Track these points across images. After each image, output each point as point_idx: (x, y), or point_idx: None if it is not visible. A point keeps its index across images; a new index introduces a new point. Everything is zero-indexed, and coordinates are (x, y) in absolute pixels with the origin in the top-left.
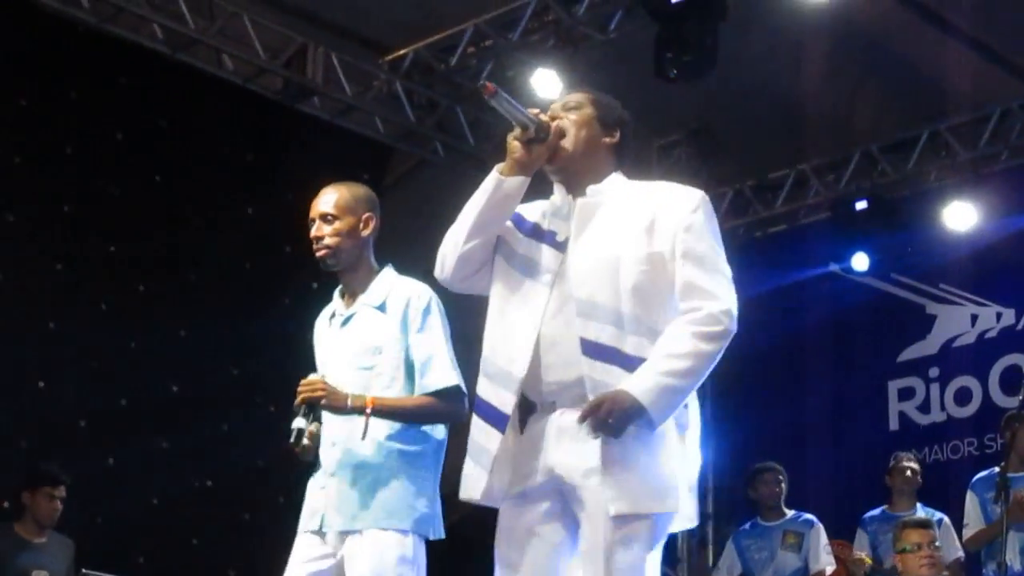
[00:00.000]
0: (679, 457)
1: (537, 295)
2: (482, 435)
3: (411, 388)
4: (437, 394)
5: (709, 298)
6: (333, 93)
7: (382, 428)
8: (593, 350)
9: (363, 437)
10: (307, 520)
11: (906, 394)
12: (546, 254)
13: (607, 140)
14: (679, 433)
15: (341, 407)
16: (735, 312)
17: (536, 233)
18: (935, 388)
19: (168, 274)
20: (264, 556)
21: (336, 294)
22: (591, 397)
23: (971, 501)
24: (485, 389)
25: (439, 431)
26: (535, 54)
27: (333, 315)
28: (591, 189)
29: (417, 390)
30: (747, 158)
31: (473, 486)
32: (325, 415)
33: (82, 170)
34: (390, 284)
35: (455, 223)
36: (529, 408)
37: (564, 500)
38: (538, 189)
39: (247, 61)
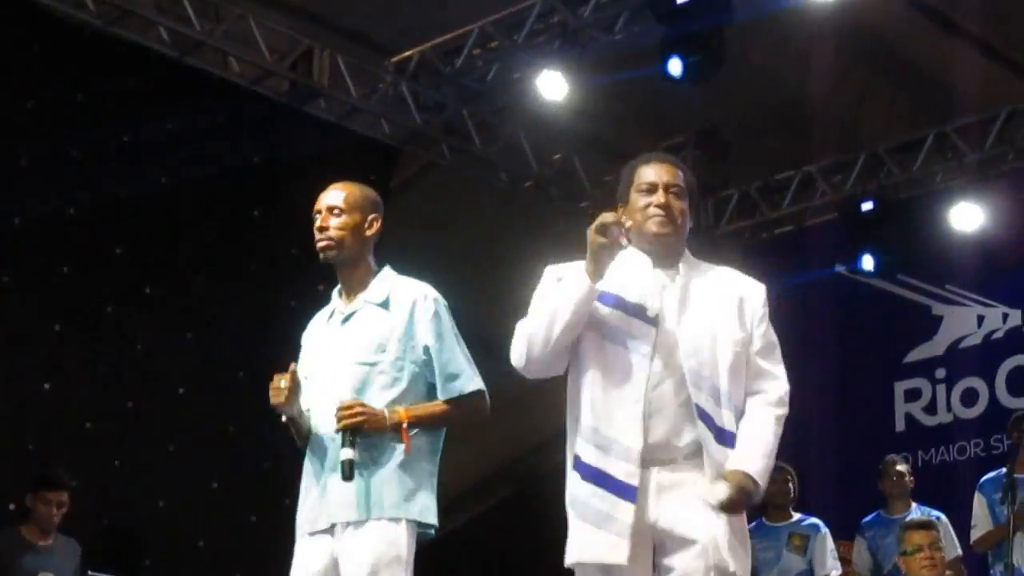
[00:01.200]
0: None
1: (639, 368)
2: (604, 504)
3: (417, 387)
4: (462, 399)
5: (775, 380)
6: (339, 95)
7: (402, 440)
8: (704, 417)
9: (407, 452)
10: (307, 523)
11: (912, 395)
12: (639, 328)
13: (689, 223)
14: None
15: (381, 427)
16: (788, 392)
17: (623, 306)
18: (941, 389)
19: (174, 277)
20: (270, 558)
21: (335, 293)
22: (706, 458)
23: (979, 502)
24: (594, 458)
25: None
26: (541, 55)
27: (332, 314)
28: (682, 267)
29: (441, 395)
30: (753, 159)
31: (611, 552)
32: (324, 408)
33: (88, 173)
34: (392, 282)
35: (535, 318)
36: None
37: (650, 549)
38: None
39: (253, 63)
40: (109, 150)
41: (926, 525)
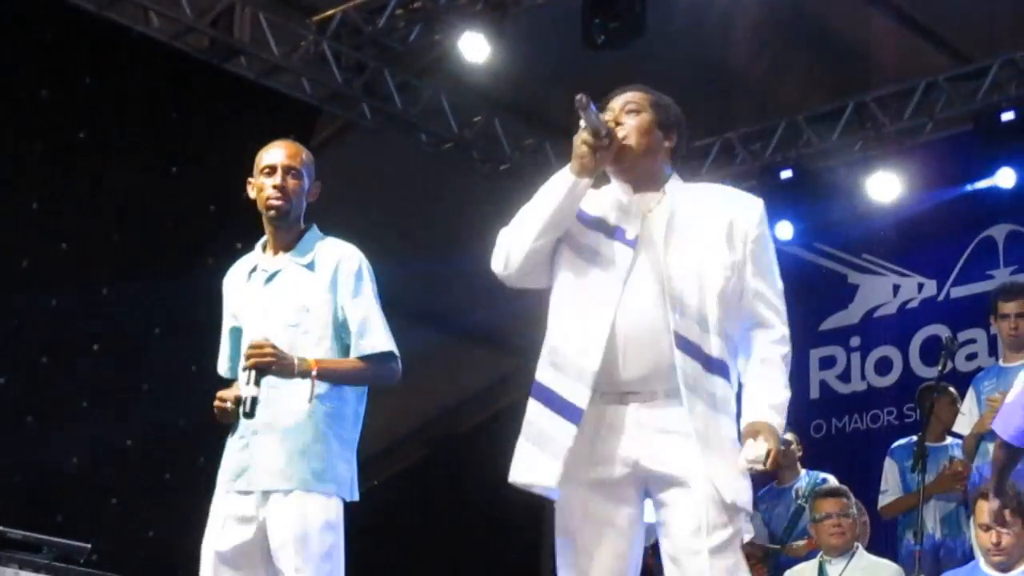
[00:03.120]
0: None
1: (609, 290)
2: (549, 424)
3: (338, 348)
4: (373, 358)
5: (778, 314)
6: (260, 53)
7: (304, 390)
8: (684, 345)
9: (309, 400)
10: (229, 480)
11: (827, 363)
12: (616, 250)
13: (666, 144)
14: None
15: (290, 372)
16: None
17: (602, 227)
18: (856, 357)
19: (91, 232)
20: (184, 516)
21: (258, 246)
22: (684, 389)
23: (890, 468)
24: (551, 378)
25: (359, 394)
26: (464, 17)
27: (255, 269)
28: (667, 188)
29: (353, 352)
30: None
31: (542, 473)
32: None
33: (3, 127)
34: (318, 244)
35: (518, 220)
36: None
37: (639, 490)
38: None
39: (174, 19)
40: (26, 104)
41: (835, 492)
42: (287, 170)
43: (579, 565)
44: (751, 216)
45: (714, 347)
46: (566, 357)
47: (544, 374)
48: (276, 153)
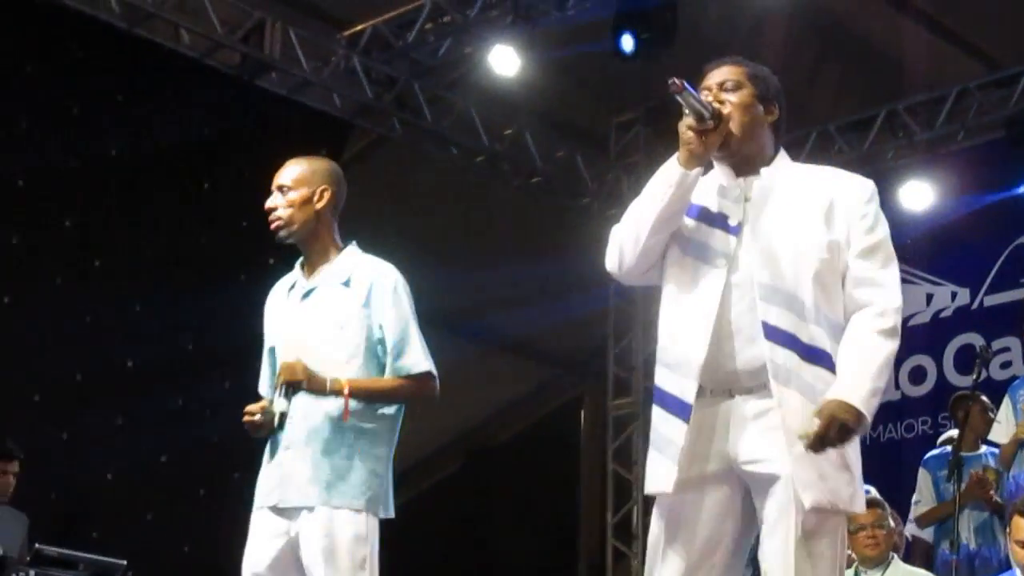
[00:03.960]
0: (855, 454)
1: (713, 281)
2: (666, 426)
3: (373, 365)
4: (411, 377)
5: (881, 291)
6: (291, 68)
7: (338, 407)
8: (774, 335)
9: (344, 419)
10: (263, 496)
11: None
12: (719, 239)
13: (768, 118)
14: None
15: (321, 392)
16: (901, 307)
17: (706, 217)
18: None
19: (124, 248)
20: (219, 531)
21: (297, 265)
22: (773, 383)
23: (923, 478)
24: (665, 379)
25: (394, 410)
26: (493, 30)
27: (293, 286)
28: (765, 172)
29: (389, 372)
30: None
31: (663, 480)
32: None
33: (38, 144)
34: (355, 261)
35: (629, 217)
36: (698, 392)
37: (740, 487)
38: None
39: (204, 36)
40: (59, 121)
41: (870, 504)
42: (279, 189)
43: (676, 564)
44: (856, 195)
45: (813, 335)
46: (675, 355)
47: (658, 376)
48: (276, 176)
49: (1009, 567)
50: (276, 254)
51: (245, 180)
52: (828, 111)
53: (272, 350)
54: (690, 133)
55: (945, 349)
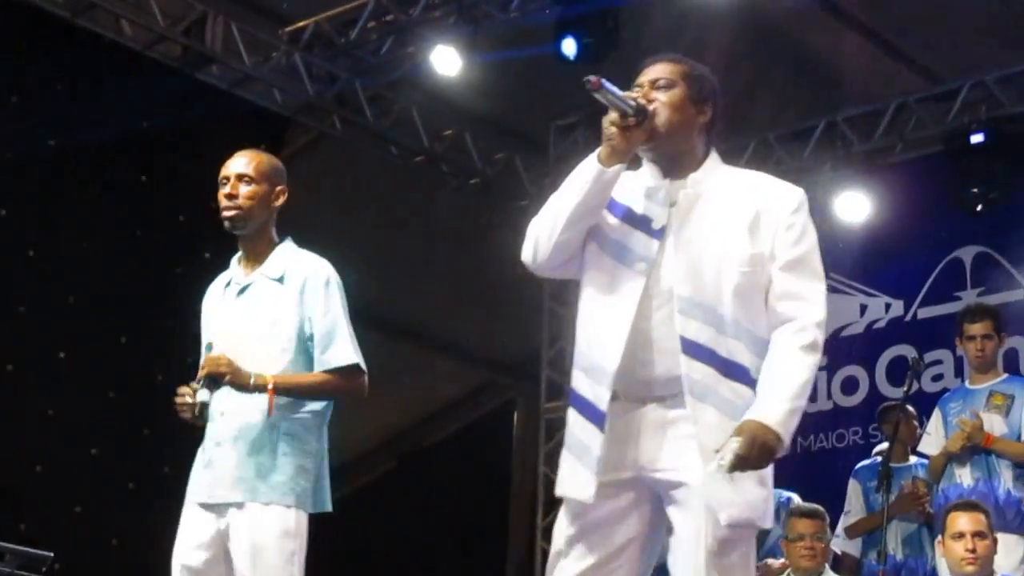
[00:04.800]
0: (771, 468)
1: (632, 287)
2: (583, 432)
3: (303, 361)
4: (337, 371)
5: (804, 305)
6: (232, 63)
7: (262, 403)
8: (692, 349)
9: (269, 414)
10: (193, 492)
11: None
12: (641, 242)
13: (700, 119)
14: None
15: (244, 386)
16: (825, 322)
17: (630, 218)
18: (822, 376)
19: (59, 239)
20: (148, 525)
21: (234, 261)
22: (689, 398)
23: (853, 489)
24: (581, 383)
25: (321, 405)
26: (436, 30)
27: (229, 283)
28: (692, 178)
29: (317, 365)
30: None
31: (582, 487)
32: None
33: None
34: (289, 257)
35: (546, 210)
36: (611, 398)
37: (649, 494)
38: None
39: (146, 27)
40: None
41: (814, 514)
42: (239, 178)
43: (582, 569)
44: (784, 204)
45: (732, 349)
46: (590, 360)
47: (575, 380)
48: (231, 163)
49: None
50: (212, 248)
51: (183, 173)
52: (768, 121)
53: (209, 347)
54: (613, 128)
55: (878, 360)
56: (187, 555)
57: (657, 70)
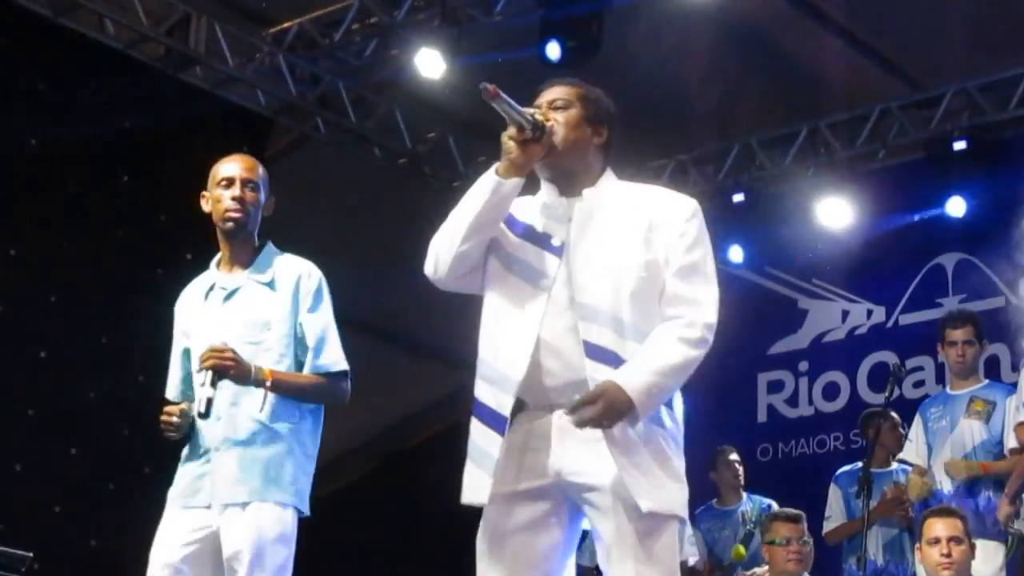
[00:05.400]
0: (678, 462)
1: (536, 299)
2: (483, 438)
3: (295, 365)
4: (328, 375)
5: (694, 306)
6: (215, 63)
7: (261, 401)
8: (596, 353)
9: (261, 410)
10: (186, 497)
11: (775, 387)
12: (543, 258)
13: (596, 140)
14: (672, 441)
15: (246, 378)
16: (715, 325)
17: (530, 235)
18: (804, 382)
19: (41, 239)
20: (127, 526)
21: (213, 265)
22: None
23: (834, 494)
24: (483, 392)
25: (317, 409)
26: (420, 33)
27: (212, 287)
28: (587, 193)
29: (308, 369)
30: (627, 146)
31: (479, 491)
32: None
33: None
34: (277, 261)
35: (448, 222)
36: (518, 408)
37: (564, 500)
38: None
39: (129, 27)
40: None
41: (795, 518)
42: (245, 182)
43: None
44: (676, 214)
45: (630, 351)
46: (494, 370)
47: (478, 388)
48: (234, 166)
49: None
50: (193, 249)
51: (165, 174)
52: (750, 126)
53: (186, 352)
54: (511, 143)
55: (859, 366)
56: (170, 553)
57: (554, 92)
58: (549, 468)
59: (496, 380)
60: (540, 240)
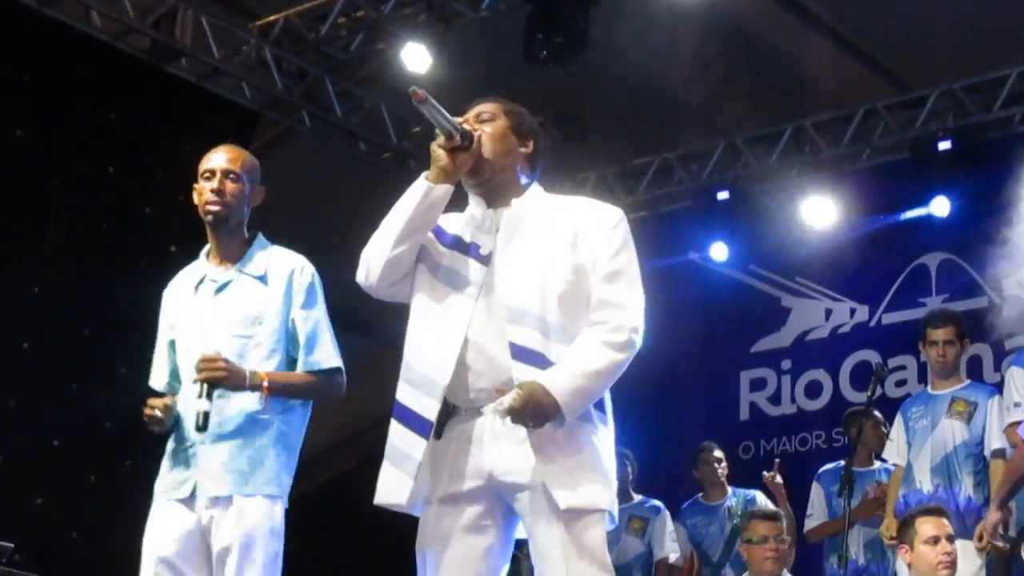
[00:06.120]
0: (606, 458)
1: (463, 306)
2: (404, 441)
3: (286, 361)
4: (321, 372)
5: (619, 311)
6: (201, 56)
7: (255, 399)
8: (522, 354)
9: (264, 413)
10: (173, 488)
11: (758, 385)
12: (471, 267)
13: (522, 151)
14: (601, 438)
15: (241, 386)
16: (641, 329)
17: (458, 245)
18: (787, 380)
19: (25, 231)
20: (109, 518)
21: (203, 256)
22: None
23: (816, 492)
24: (406, 395)
25: (304, 404)
26: (406, 28)
27: (203, 280)
28: (515, 202)
29: (302, 366)
30: (612, 144)
31: (396, 492)
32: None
33: None
34: (269, 255)
35: (379, 230)
36: (448, 412)
37: (498, 503)
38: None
39: (115, 19)
40: None
41: (772, 516)
42: (226, 174)
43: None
44: (601, 222)
45: (556, 352)
46: (419, 372)
47: (401, 391)
48: (215, 158)
49: None
50: (178, 241)
51: (150, 166)
52: (736, 124)
53: (172, 343)
54: (440, 151)
55: (842, 365)
56: (163, 547)
57: (480, 107)
58: (482, 470)
59: (421, 384)
60: (467, 249)
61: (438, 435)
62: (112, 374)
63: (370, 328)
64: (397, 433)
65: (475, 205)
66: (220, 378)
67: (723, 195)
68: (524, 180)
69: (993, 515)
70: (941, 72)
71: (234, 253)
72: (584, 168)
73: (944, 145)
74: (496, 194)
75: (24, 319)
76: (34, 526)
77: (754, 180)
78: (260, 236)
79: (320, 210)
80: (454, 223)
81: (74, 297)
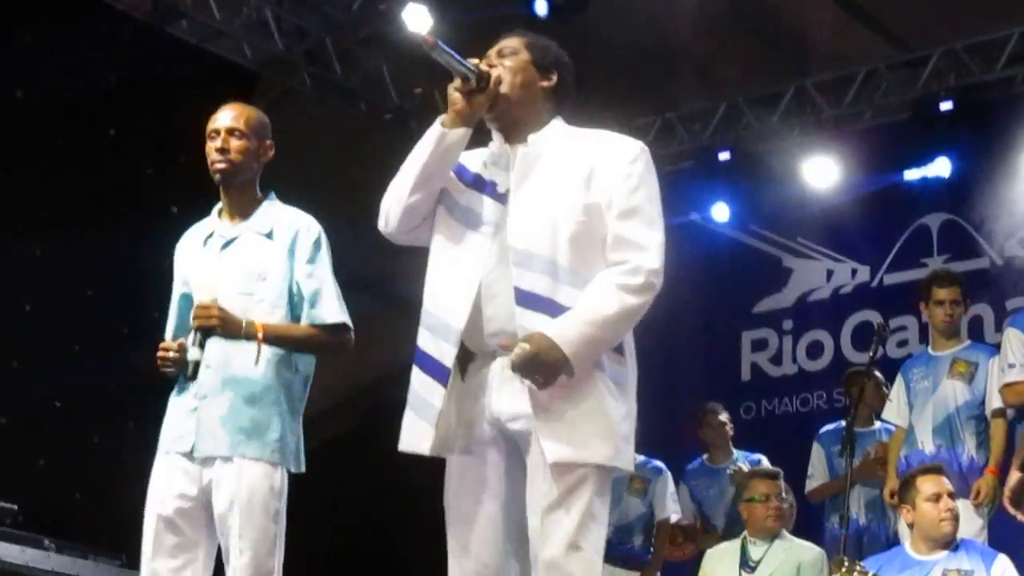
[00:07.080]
0: (614, 408)
1: (478, 247)
2: (424, 388)
3: (291, 318)
4: (325, 327)
5: (638, 251)
6: (201, 16)
7: (255, 356)
8: (527, 300)
9: (256, 363)
10: (173, 441)
11: (759, 345)
12: (487, 205)
13: (544, 84)
14: (613, 384)
15: (236, 335)
16: (661, 271)
17: (477, 183)
18: (788, 340)
19: (26, 193)
20: (112, 479)
21: (215, 213)
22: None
23: (817, 453)
24: (426, 341)
25: (309, 365)
26: None
27: (211, 235)
28: (531, 138)
29: (305, 320)
30: (613, 103)
31: (419, 440)
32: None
33: None
34: (277, 213)
35: (398, 175)
36: (469, 357)
37: (512, 447)
38: (476, 138)
39: None
40: None
41: (772, 475)
42: (230, 131)
43: (457, 534)
44: (619, 156)
45: (571, 297)
46: (436, 318)
47: (420, 338)
48: (221, 116)
49: (898, 543)
50: (179, 201)
51: (151, 127)
52: (737, 85)
53: (184, 296)
54: (456, 94)
55: (843, 325)
56: (164, 505)
57: (503, 42)
58: (491, 416)
59: (438, 329)
60: (485, 187)
61: (464, 380)
62: (115, 335)
63: (372, 287)
64: (417, 380)
65: (495, 141)
66: (213, 324)
67: (724, 155)
68: (546, 115)
69: (1016, 474)
70: (943, 32)
71: (244, 210)
72: (585, 127)
73: (946, 105)
74: (514, 129)
75: (26, 280)
76: (37, 487)
77: (755, 140)
78: (272, 195)
79: (322, 169)
80: (475, 160)
81: (76, 258)
